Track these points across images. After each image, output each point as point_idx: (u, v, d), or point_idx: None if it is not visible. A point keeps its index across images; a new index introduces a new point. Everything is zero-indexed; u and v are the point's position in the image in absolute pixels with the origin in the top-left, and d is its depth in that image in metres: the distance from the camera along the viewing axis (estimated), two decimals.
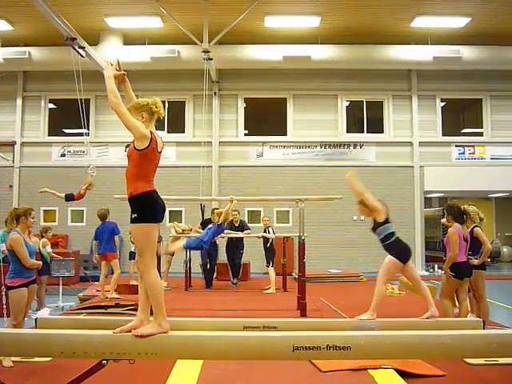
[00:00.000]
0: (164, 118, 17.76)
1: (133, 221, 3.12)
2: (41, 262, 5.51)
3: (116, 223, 9.09)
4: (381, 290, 4.77)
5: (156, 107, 3.24)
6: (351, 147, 15.30)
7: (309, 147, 15.25)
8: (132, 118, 3.13)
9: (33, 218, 5.26)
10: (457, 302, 6.17)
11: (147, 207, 3.12)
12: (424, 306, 4.54)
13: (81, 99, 10.78)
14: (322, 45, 13.96)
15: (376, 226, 4.98)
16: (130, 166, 3.20)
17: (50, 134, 15.56)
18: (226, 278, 11.29)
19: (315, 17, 13.07)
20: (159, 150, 3.22)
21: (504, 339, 2.96)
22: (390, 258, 4.84)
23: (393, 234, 4.91)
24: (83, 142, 13.60)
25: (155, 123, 3.32)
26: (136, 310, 7.83)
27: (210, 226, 7.53)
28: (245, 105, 15.67)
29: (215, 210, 10.65)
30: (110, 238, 8.76)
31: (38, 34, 13.70)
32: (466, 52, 13.90)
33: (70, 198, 9.26)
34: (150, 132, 3.16)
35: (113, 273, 8.95)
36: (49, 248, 8.55)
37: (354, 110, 15.75)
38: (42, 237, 8.58)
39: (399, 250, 4.85)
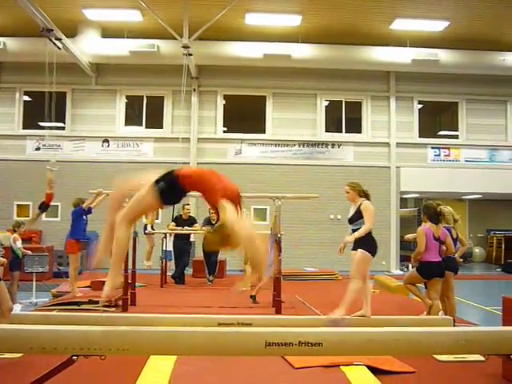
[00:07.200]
0: (142, 112, 17.38)
1: None
2: (4, 260, 5.35)
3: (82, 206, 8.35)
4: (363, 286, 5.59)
5: None
6: (329, 147, 15.40)
7: (287, 146, 15.30)
8: None
9: None
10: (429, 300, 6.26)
11: None
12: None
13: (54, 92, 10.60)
14: (302, 44, 14.00)
15: (355, 218, 5.61)
16: None
17: (24, 127, 15.26)
18: (202, 275, 11.25)
19: (296, 15, 13.10)
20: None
21: (472, 336, 3.02)
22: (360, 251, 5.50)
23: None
24: (58, 136, 13.30)
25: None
26: (110, 306, 7.67)
27: None
28: (224, 102, 15.61)
29: (186, 206, 10.69)
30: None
31: (13, 24, 13.34)
32: (444, 56, 14.13)
33: (43, 207, 9.04)
34: None
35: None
36: (19, 243, 8.34)
37: (332, 110, 15.84)
38: (14, 231, 8.40)
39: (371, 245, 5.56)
